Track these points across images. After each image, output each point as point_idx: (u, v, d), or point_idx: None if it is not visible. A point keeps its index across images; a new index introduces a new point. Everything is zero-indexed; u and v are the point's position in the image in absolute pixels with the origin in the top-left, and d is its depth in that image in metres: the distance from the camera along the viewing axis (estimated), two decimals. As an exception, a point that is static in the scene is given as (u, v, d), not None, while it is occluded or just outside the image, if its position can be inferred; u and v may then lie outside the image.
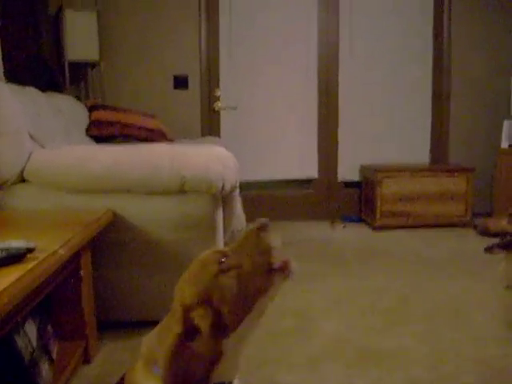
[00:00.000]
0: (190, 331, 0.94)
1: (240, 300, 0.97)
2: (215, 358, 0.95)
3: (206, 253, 1.06)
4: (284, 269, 1.00)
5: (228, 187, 2.21)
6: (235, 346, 1.00)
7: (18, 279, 1.20)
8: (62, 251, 1.50)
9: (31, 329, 1.71)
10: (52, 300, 1.97)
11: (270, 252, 1.00)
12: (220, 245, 2.30)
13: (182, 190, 2.17)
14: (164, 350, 0.93)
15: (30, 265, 1.30)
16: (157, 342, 1.00)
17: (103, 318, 2.23)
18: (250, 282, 0.98)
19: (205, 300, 0.95)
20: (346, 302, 2.67)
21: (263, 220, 1.03)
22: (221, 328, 0.95)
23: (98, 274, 2.17)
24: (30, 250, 1.37)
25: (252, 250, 1.00)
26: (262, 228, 1.02)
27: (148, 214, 2.21)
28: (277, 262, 1.00)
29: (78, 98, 4.22)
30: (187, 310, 0.95)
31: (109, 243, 2.21)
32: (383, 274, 3.14)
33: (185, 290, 0.99)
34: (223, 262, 1.00)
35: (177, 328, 0.94)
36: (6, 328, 1.38)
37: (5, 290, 1.13)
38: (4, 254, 1.30)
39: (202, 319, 0.94)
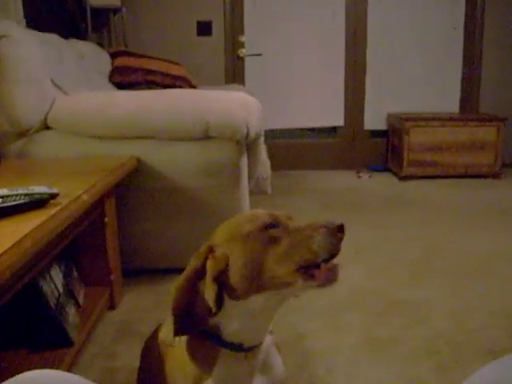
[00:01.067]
0: (201, 269, 0.94)
1: (253, 275, 0.91)
2: (208, 311, 0.93)
3: (262, 212, 0.97)
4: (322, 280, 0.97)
5: (252, 133, 2.17)
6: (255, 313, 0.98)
7: (41, 224, 1.19)
8: (85, 197, 1.49)
9: (57, 274, 1.73)
10: (78, 247, 1.98)
11: (318, 257, 0.95)
12: (244, 191, 2.28)
13: (206, 135, 2.14)
14: (178, 280, 0.96)
15: (52, 210, 1.29)
16: None
17: (127, 266, 2.25)
18: (274, 269, 0.91)
19: (224, 251, 0.94)
20: (370, 252, 2.65)
21: (339, 222, 0.94)
22: (224, 286, 0.93)
23: (121, 221, 2.17)
24: (53, 196, 1.36)
25: (307, 243, 0.93)
26: (337, 230, 0.95)
27: (172, 161, 2.18)
28: (319, 272, 0.97)
29: (101, 45, 4.16)
30: (209, 250, 0.95)
31: (133, 190, 2.21)
32: (409, 224, 3.10)
33: (217, 233, 0.98)
34: (268, 229, 0.93)
35: (193, 262, 0.95)
36: (32, 273, 1.39)
37: (28, 234, 1.12)
38: (27, 199, 1.30)
39: (212, 264, 0.93)
